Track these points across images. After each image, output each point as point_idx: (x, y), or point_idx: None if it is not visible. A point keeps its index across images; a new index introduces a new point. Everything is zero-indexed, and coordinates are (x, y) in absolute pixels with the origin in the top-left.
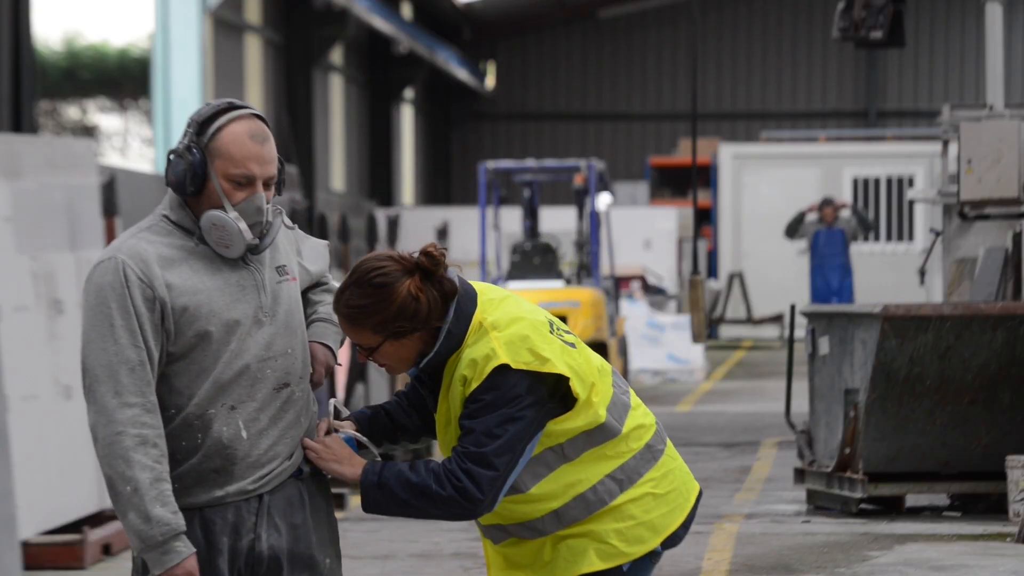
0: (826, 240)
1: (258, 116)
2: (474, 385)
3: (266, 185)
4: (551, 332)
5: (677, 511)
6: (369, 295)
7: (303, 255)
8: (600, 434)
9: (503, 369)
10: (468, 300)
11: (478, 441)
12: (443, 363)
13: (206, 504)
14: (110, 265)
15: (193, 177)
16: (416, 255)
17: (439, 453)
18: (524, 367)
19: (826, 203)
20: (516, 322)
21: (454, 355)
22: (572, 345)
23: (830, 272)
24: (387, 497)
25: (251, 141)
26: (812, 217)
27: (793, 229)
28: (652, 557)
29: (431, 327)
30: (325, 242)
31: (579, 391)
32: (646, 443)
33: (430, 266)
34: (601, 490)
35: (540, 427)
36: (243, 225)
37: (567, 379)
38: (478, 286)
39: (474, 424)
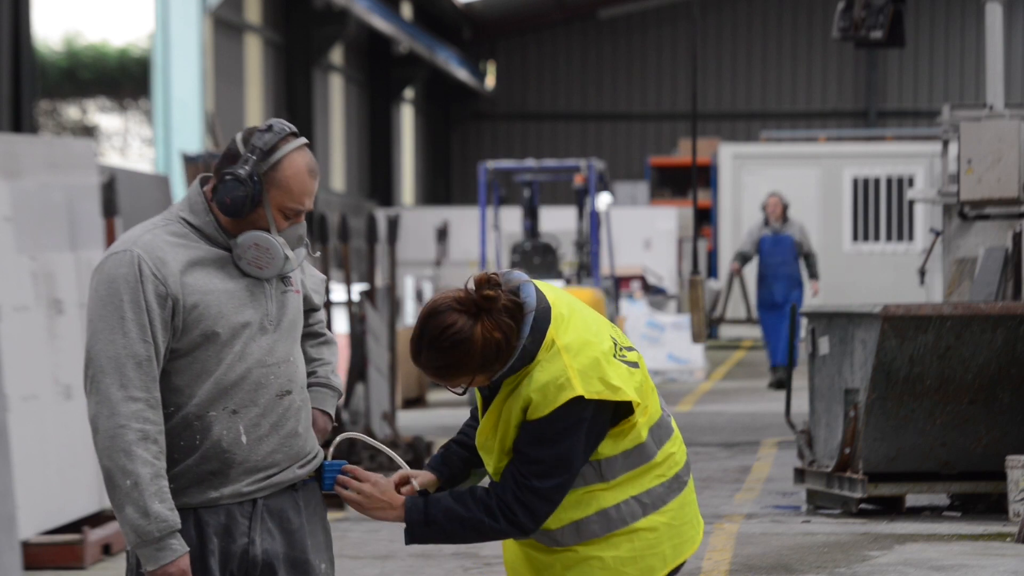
0: (771, 247)
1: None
2: (543, 412)
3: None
4: (615, 355)
5: (687, 544)
6: (449, 354)
7: (305, 282)
8: (637, 456)
9: (577, 400)
10: (543, 316)
11: (541, 473)
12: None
13: (200, 504)
14: (125, 257)
15: (251, 205)
16: (472, 291)
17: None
18: (596, 397)
19: (771, 195)
20: (588, 347)
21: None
22: (635, 365)
23: (774, 283)
24: (435, 533)
25: (309, 177)
26: (755, 223)
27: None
28: None
29: (514, 348)
30: (323, 277)
31: (636, 415)
32: (676, 473)
33: (489, 305)
34: (625, 510)
35: (594, 449)
36: (291, 252)
37: (633, 405)
38: (547, 294)
39: (539, 454)
